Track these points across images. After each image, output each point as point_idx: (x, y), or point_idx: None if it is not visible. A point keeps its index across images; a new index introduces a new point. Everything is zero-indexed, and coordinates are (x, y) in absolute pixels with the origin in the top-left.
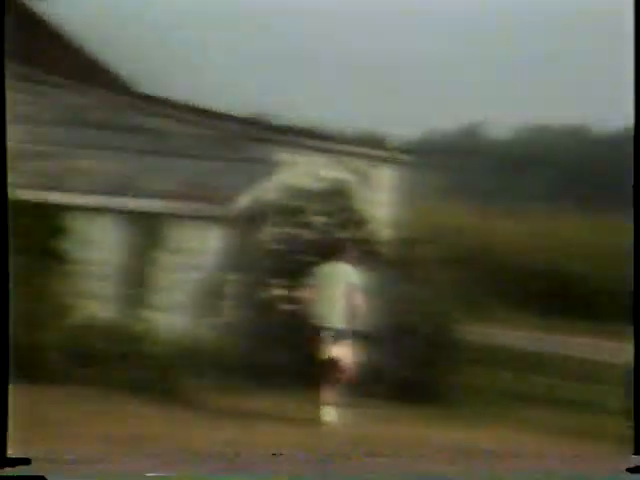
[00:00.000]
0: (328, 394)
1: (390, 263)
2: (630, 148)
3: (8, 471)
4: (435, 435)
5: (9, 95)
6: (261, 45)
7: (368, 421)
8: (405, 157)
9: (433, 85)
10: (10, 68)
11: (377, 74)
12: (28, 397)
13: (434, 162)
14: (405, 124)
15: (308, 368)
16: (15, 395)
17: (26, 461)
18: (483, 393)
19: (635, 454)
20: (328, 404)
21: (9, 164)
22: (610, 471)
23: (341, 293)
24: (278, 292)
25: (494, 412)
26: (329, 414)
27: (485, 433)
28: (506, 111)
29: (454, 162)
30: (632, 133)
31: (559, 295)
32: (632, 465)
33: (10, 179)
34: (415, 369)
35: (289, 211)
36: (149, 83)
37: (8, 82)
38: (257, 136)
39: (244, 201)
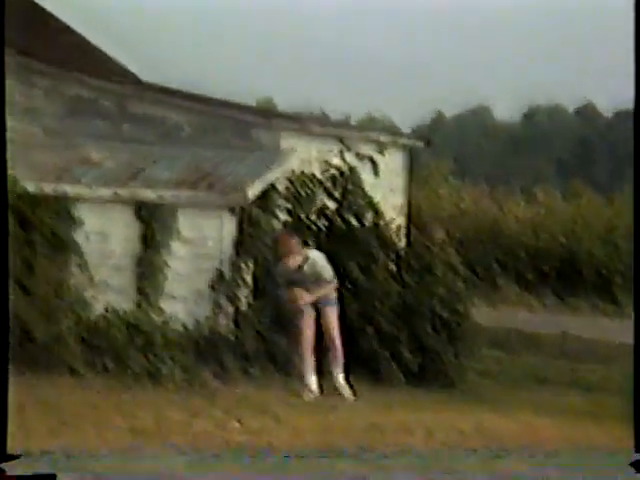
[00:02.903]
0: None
1: (401, 248)
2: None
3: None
4: (451, 420)
5: (17, 87)
6: (268, 34)
7: (383, 407)
8: (414, 141)
9: (442, 68)
10: (17, 61)
11: (388, 58)
12: (49, 389)
13: (443, 146)
14: (413, 108)
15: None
16: (34, 387)
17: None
18: (499, 377)
19: (637, 451)
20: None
21: (18, 156)
22: (613, 468)
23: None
24: None
25: (511, 396)
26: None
27: (504, 417)
28: (515, 93)
29: (463, 145)
30: None
31: (572, 275)
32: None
33: (20, 172)
34: (429, 353)
35: (299, 198)
36: (153, 73)
37: (13, 74)
38: (264, 124)
39: (254, 189)
